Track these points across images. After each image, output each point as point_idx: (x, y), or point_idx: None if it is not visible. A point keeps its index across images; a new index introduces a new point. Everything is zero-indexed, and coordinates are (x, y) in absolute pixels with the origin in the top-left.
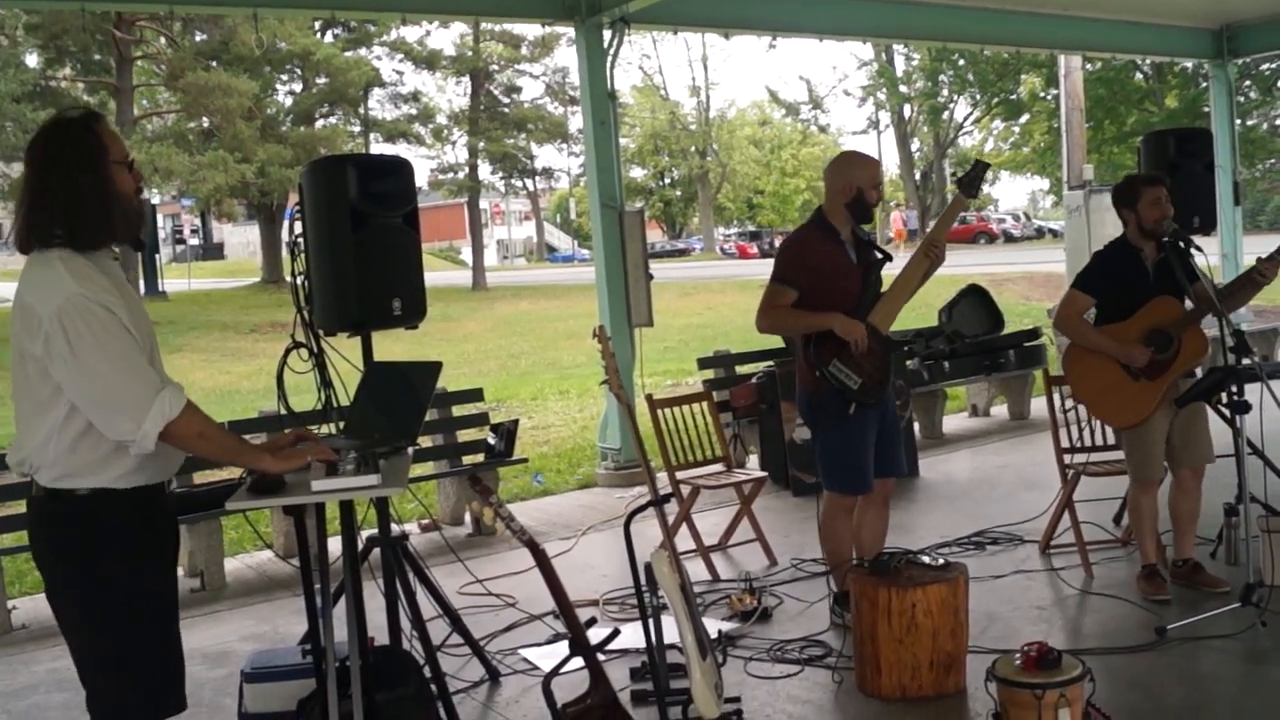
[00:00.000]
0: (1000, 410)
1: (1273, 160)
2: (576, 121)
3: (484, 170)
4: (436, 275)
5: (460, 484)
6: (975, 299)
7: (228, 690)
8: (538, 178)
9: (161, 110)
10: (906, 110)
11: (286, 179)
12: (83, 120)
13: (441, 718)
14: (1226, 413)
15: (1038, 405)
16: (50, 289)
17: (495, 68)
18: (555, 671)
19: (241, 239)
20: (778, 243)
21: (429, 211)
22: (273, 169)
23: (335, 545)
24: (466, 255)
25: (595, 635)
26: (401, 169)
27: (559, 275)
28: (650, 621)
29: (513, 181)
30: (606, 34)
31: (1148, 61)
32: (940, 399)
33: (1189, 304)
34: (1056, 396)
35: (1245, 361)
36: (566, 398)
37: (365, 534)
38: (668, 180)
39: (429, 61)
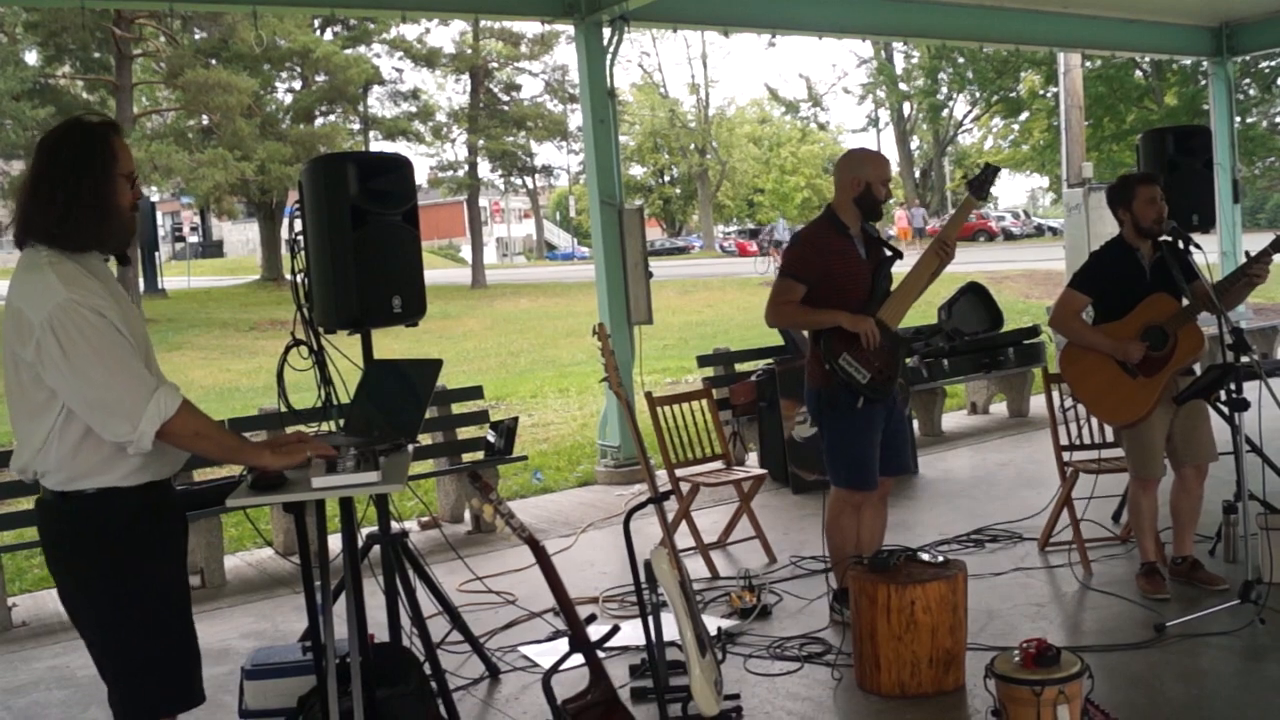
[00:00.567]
0: (999, 408)
1: (1272, 158)
2: (576, 119)
3: (483, 168)
4: (436, 273)
5: (460, 481)
6: (974, 297)
7: (228, 687)
8: (537, 175)
9: (161, 108)
10: (906, 108)
11: (286, 176)
12: (101, 128)
13: (441, 715)
14: (1225, 410)
15: (1037, 403)
16: (41, 295)
17: (495, 65)
18: (555, 668)
19: (241, 237)
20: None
21: (428, 209)
22: (272, 166)
23: (335, 542)
24: (466, 253)
25: (595, 632)
26: (401, 166)
27: (558, 273)
28: (650, 619)
29: (512, 179)
30: (606, 31)
31: (1147, 59)
32: (939, 396)
33: (1185, 302)
34: (1056, 394)
35: (1244, 359)
36: (566, 395)
37: (365, 531)
38: (667, 178)
39: (428, 59)
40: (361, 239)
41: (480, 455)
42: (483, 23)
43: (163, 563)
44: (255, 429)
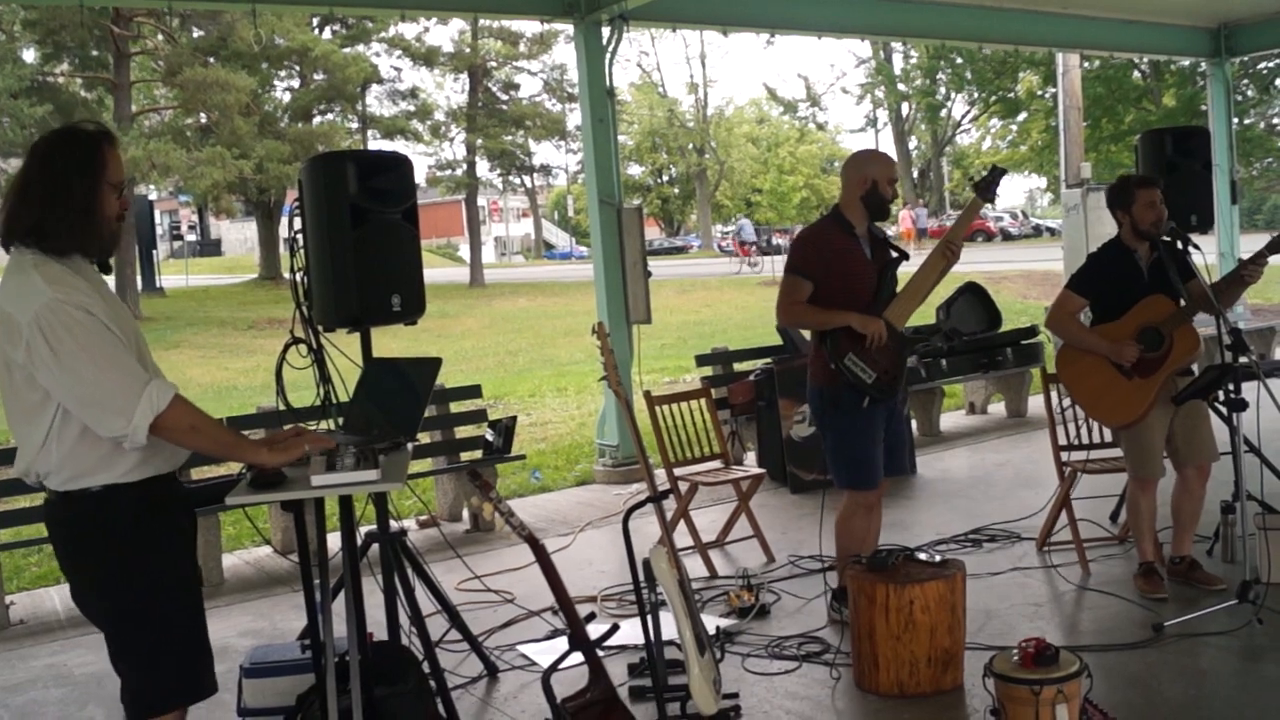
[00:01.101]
0: (997, 408)
1: (1270, 159)
2: (574, 118)
3: (482, 167)
4: (434, 272)
5: (458, 480)
6: (973, 297)
7: (227, 685)
8: (535, 175)
9: (159, 106)
10: (904, 108)
11: (284, 175)
12: (95, 136)
13: (440, 713)
14: (1223, 410)
15: (1035, 403)
16: (27, 297)
17: (493, 64)
18: (555, 666)
19: (239, 235)
20: (776, 240)
21: (427, 208)
22: (270, 165)
23: (334, 541)
24: (464, 252)
25: (594, 631)
26: (401, 165)
27: (556, 272)
28: (649, 618)
29: (510, 178)
30: (605, 31)
31: (1145, 60)
32: (938, 396)
33: (1183, 303)
34: (1054, 394)
35: (1242, 359)
36: (564, 395)
37: (364, 530)
38: (665, 177)
39: (427, 58)
40: (361, 237)
41: (479, 454)
42: (481, 22)
43: (169, 556)
44: (254, 427)
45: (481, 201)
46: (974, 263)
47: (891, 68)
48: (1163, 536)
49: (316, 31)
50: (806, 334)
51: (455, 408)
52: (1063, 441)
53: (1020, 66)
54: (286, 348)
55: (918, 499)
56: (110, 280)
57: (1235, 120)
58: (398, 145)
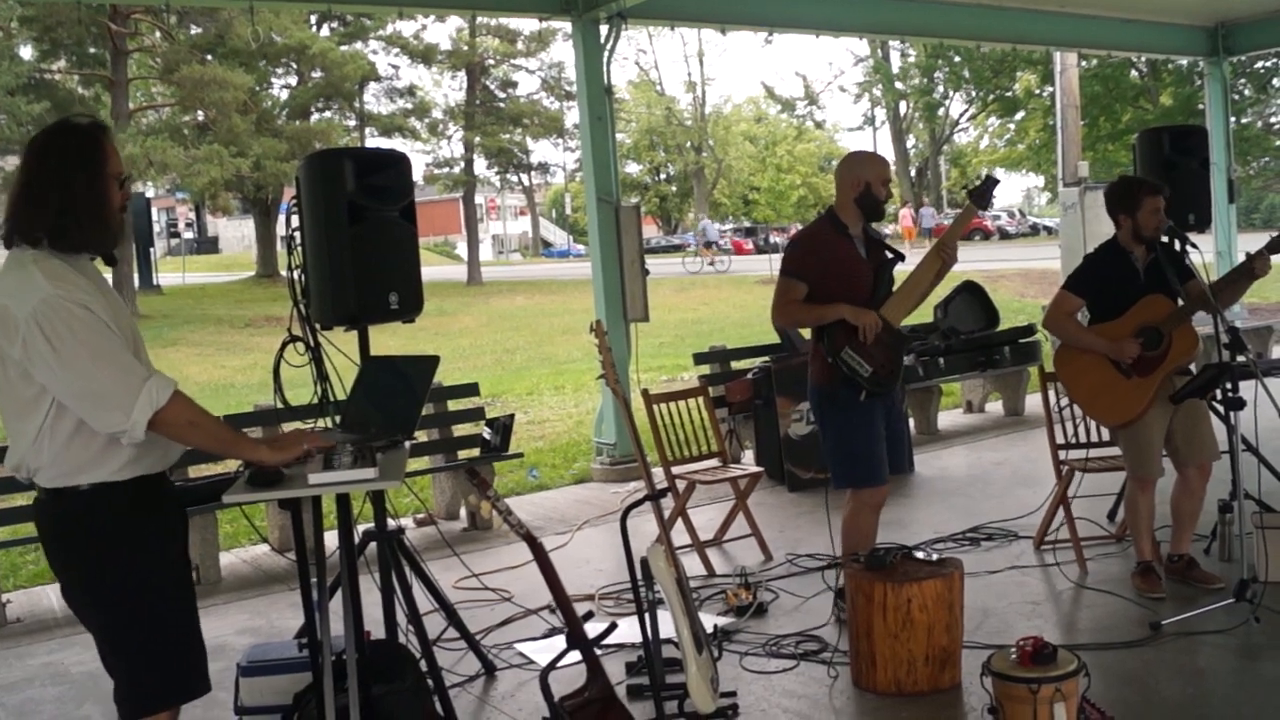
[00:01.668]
0: (995, 406)
1: (1267, 158)
2: (572, 116)
3: (479, 165)
4: (432, 270)
5: (455, 478)
6: (970, 295)
7: (223, 684)
8: (533, 173)
9: (157, 104)
10: (902, 107)
11: (282, 173)
12: (90, 129)
13: (437, 712)
14: (1221, 409)
15: (1032, 401)
16: (25, 293)
17: (491, 62)
18: (553, 665)
19: (236, 233)
20: (773, 239)
21: (424, 206)
22: (268, 163)
23: (331, 539)
24: (462, 250)
25: (592, 629)
26: (398, 163)
27: (554, 270)
28: (646, 616)
29: (508, 176)
30: (603, 29)
31: (1143, 59)
32: (935, 395)
33: (1180, 303)
34: (1052, 393)
35: (1240, 358)
36: (562, 393)
37: (361, 528)
38: (663, 176)
39: (425, 56)
40: (358, 235)
41: (476, 452)
42: (479, 19)
43: (159, 556)
44: (251, 425)
45: (479, 199)
46: (971, 261)
47: (889, 66)
48: (1160, 535)
49: (314, 29)
50: (806, 333)
51: (453, 406)
52: (1060, 440)
53: (1018, 65)
54: (284, 346)
55: (915, 497)
56: (109, 274)
57: (1232, 119)
58: (395, 143)
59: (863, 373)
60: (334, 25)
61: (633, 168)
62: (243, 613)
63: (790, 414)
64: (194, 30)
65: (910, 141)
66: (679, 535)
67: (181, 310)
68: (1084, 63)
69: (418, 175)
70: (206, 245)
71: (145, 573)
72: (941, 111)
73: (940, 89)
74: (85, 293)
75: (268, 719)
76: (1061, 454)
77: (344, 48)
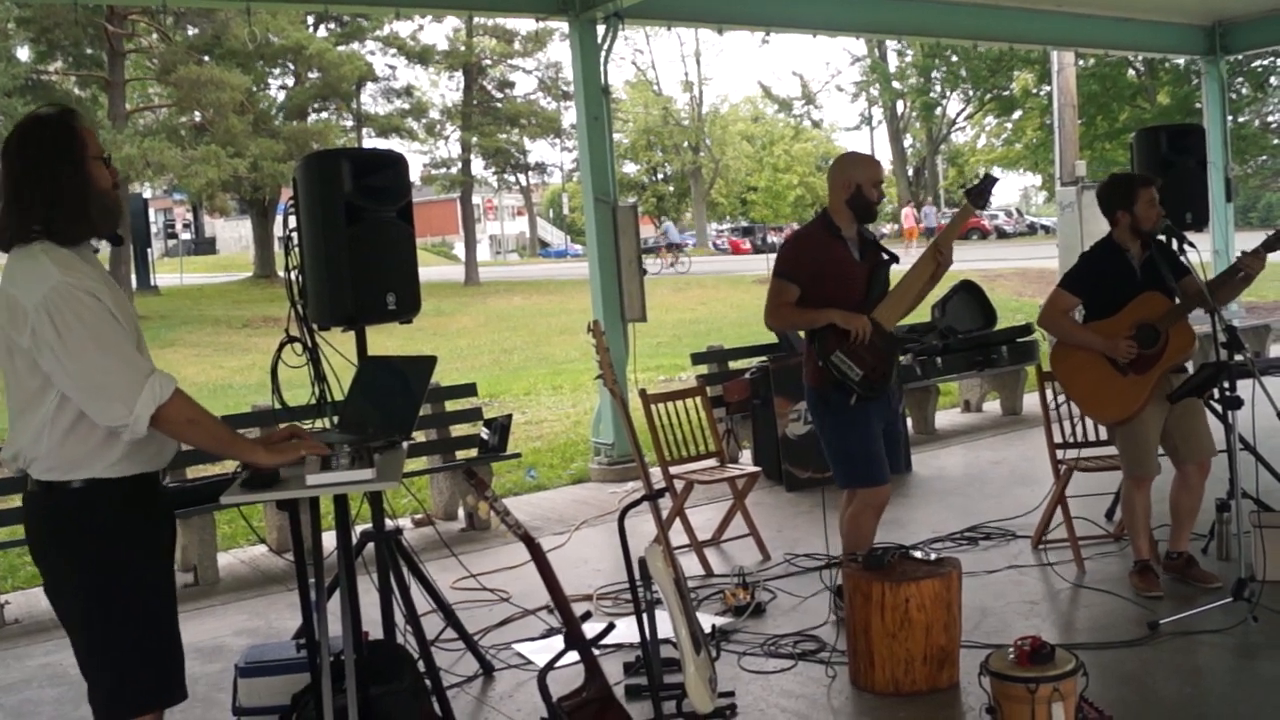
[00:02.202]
0: (993, 406)
1: (1264, 157)
2: (569, 116)
3: (477, 165)
4: (429, 270)
5: (453, 479)
6: (968, 295)
7: (221, 685)
8: (530, 173)
9: (154, 104)
10: (899, 106)
11: (279, 173)
12: (60, 117)
13: (436, 712)
14: (1218, 408)
15: (1030, 401)
16: (35, 280)
17: (488, 62)
18: (551, 665)
19: (234, 234)
20: (771, 238)
21: (421, 207)
22: (265, 163)
23: (329, 540)
24: (459, 250)
25: (590, 629)
26: (396, 163)
27: (552, 270)
28: (644, 616)
29: (505, 176)
30: (600, 29)
31: (1140, 58)
32: (933, 394)
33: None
34: (1049, 392)
35: (1237, 357)
36: (559, 393)
37: (359, 529)
38: (660, 176)
39: (422, 56)
40: (356, 236)
41: (474, 452)
42: (476, 19)
43: (147, 557)
44: (249, 425)
45: (476, 200)
46: (969, 261)
47: (886, 66)
48: (1159, 533)
49: (311, 29)
50: (803, 333)
51: (450, 406)
52: (1058, 439)
53: (1015, 64)
54: (282, 346)
55: (913, 497)
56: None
57: (1230, 118)
58: (392, 143)
59: (853, 376)
60: (331, 26)
61: (630, 168)
62: (241, 613)
63: (788, 414)
64: (191, 31)
65: (908, 141)
66: (677, 535)
67: (179, 311)
68: (1081, 62)
69: (415, 176)
70: (204, 246)
71: (139, 569)
72: (939, 111)
73: (937, 88)
74: (93, 281)
75: None
76: (1059, 453)
77: (341, 48)
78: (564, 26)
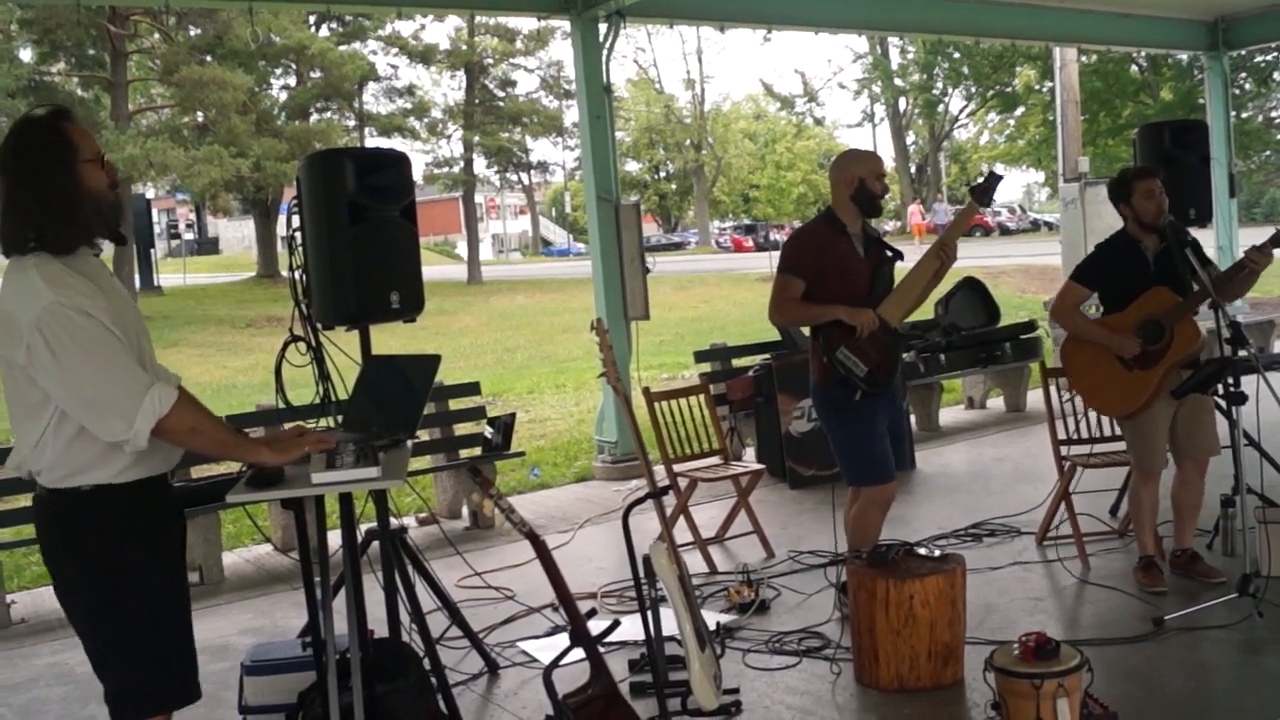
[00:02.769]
0: (996, 403)
1: (1268, 152)
2: (571, 115)
3: (479, 164)
4: (432, 269)
5: (457, 477)
6: (971, 292)
7: (228, 683)
8: (533, 171)
9: (156, 105)
10: (901, 103)
11: (281, 173)
12: (49, 119)
13: (441, 710)
14: (1223, 404)
15: (1034, 398)
16: (27, 299)
17: (490, 61)
18: (556, 662)
19: (237, 233)
20: (773, 236)
21: (424, 206)
22: (268, 163)
23: (334, 538)
24: (462, 249)
25: (594, 627)
26: (399, 162)
27: (554, 269)
28: (649, 613)
29: (508, 175)
30: (602, 27)
31: (1143, 54)
32: (936, 392)
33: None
34: (1053, 389)
35: (1242, 353)
36: (563, 391)
37: (364, 527)
38: (663, 174)
39: (424, 55)
40: (359, 235)
41: (478, 451)
42: (478, 18)
43: (158, 559)
44: (253, 425)
45: (479, 199)
46: (972, 258)
47: (888, 63)
48: (1163, 530)
49: (313, 29)
50: (806, 330)
51: (454, 405)
52: (1062, 436)
53: (1017, 61)
54: (285, 345)
55: (917, 494)
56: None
57: (1233, 113)
58: (395, 143)
59: (858, 372)
60: (333, 25)
61: (632, 166)
62: (246, 612)
63: (791, 411)
64: (193, 31)
65: (910, 138)
66: (681, 533)
67: (182, 311)
68: (1084, 58)
69: (417, 175)
70: (207, 246)
71: (148, 571)
72: (941, 108)
73: (940, 85)
74: (87, 297)
75: (272, 718)
76: (1063, 450)
77: (343, 48)
78: (566, 25)
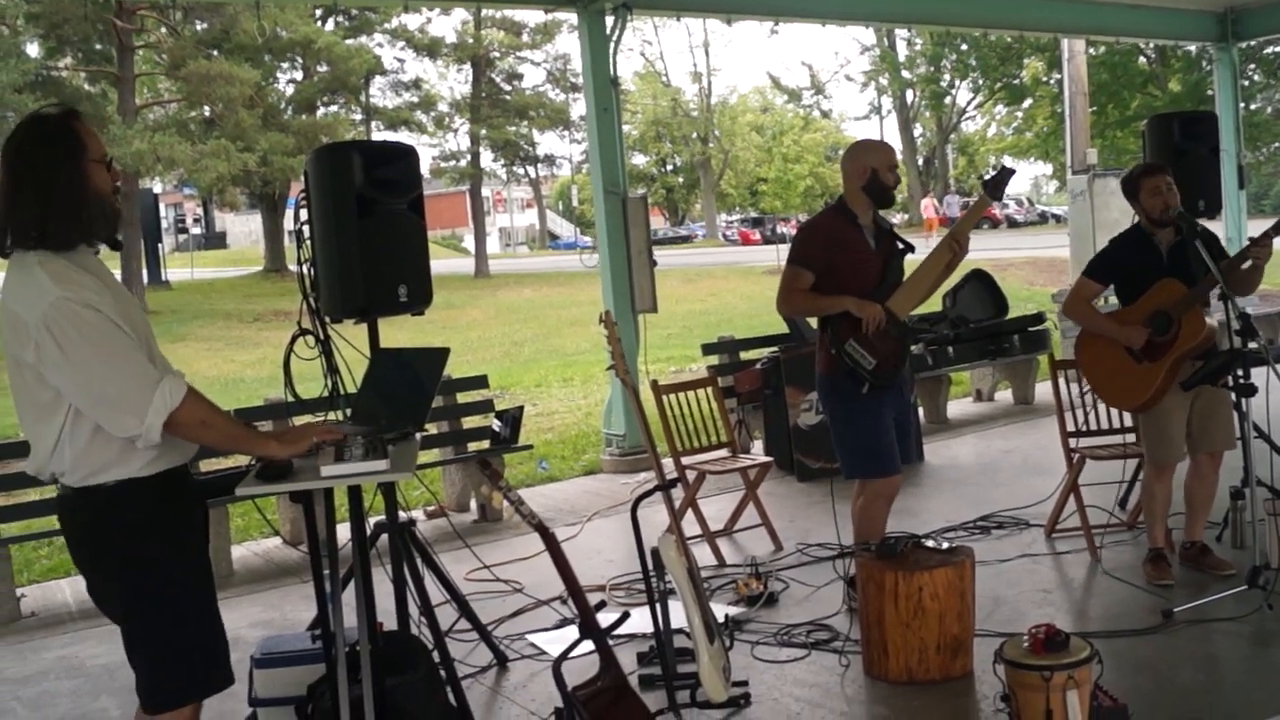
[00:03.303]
0: (1004, 395)
1: (1277, 144)
2: (578, 108)
3: (486, 158)
4: (439, 263)
5: (465, 470)
6: (979, 284)
7: (238, 676)
8: (540, 165)
9: (163, 99)
10: (909, 95)
11: (289, 168)
12: (61, 118)
13: (450, 703)
14: (1233, 396)
15: (1042, 390)
16: (33, 296)
17: (496, 55)
18: (566, 655)
19: (244, 228)
20: (781, 229)
21: (431, 199)
22: (275, 158)
23: (343, 531)
24: (469, 243)
25: (603, 619)
26: (407, 155)
27: (561, 262)
28: (658, 606)
29: (515, 169)
30: (609, 20)
31: (1151, 45)
32: (945, 384)
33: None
34: (1061, 380)
35: (1252, 345)
36: (570, 384)
37: (373, 520)
38: (670, 167)
39: (430, 49)
40: (367, 228)
41: (486, 444)
42: (484, 12)
43: (181, 552)
44: (262, 419)
45: (486, 192)
46: (980, 250)
47: (896, 55)
48: (1173, 523)
49: (319, 23)
50: (814, 322)
51: (462, 398)
52: (1071, 428)
53: (1025, 52)
54: (294, 339)
55: (925, 487)
56: (117, 270)
57: (1242, 105)
58: (401, 136)
59: (866, 365)
60: (339, 19)
61: (639, 159)
62: (255, 605)
63: (799, 404)
64: (199, 26)
65: (917, 130)
66: (689, 525)
67: (190, 305)
68: (1092, 49)
69: (424, 169)
70: (214, 240)
71: (170, 566)
72: (948, 100)
73: (947, 77)
74: (93, 292)
75: (282, 710)
76: (1072, 442)
77: (349, 42)
78: (572, 18)
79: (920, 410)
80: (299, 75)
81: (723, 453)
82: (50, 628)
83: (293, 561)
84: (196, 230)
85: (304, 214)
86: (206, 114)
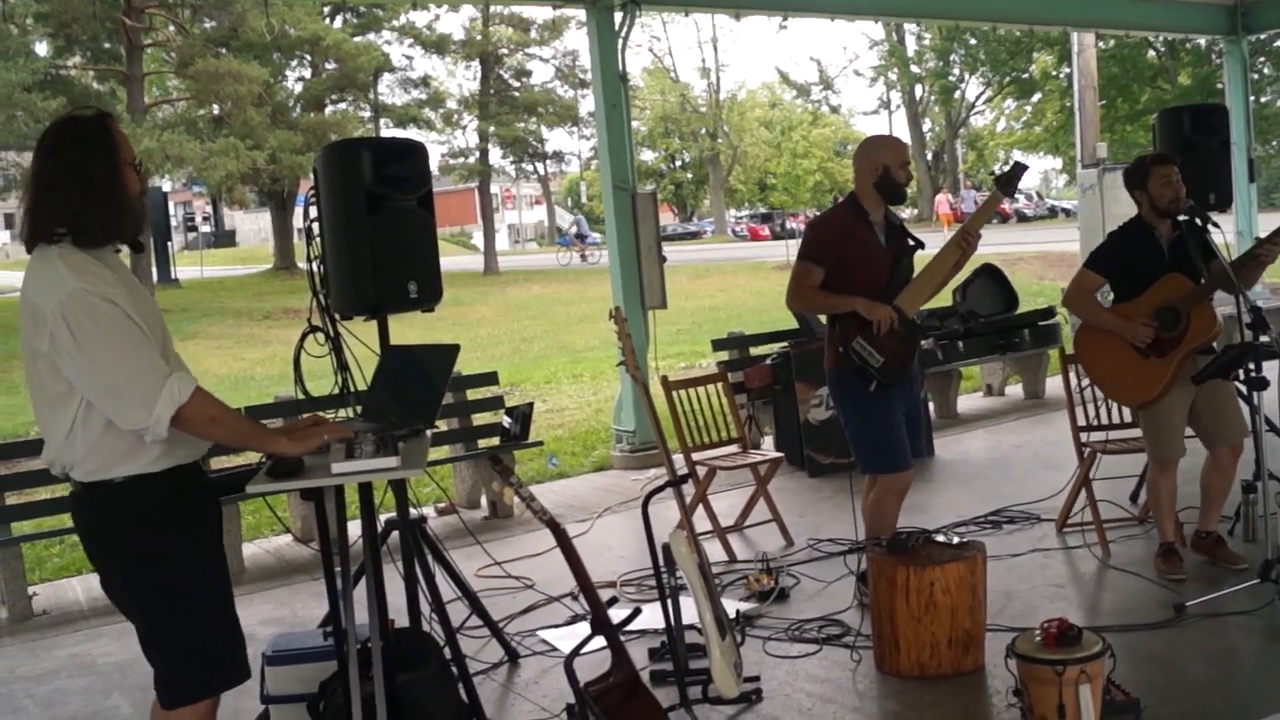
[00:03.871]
0: (1015, 390)
1: None
2: (587, 105)
3: (494, 154)
4: (448, 260)
5: (476, 467)
6: (989, 279)
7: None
8: (548, 161)
9: (172, 98)
10: (918, 90)
11: (297, 165)
12: (98, 118)
13: (462, 699)
14: (1244, 389)
15: (1053, 384)
16: (52, 286)
17: (505, 51)
18: (577, 651)
19: (253, 226)
20: (790, 224)
21: (440, 196)
22: (284, 155)
23: (354, 528)
24: (478, 240)
25: (616, 615)
26: (416, 152)
27: (568, 258)
28: (669, 602)
29: (523, 165)
30: (617, 16)
31: (1161, 39)
32: (955, 379)
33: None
34: (1072, 375)
35: (1262, 338)
36: (580, 381)
37: (383, 517)
38: (679, 163)
39: (438, 46)
40: (376, 225)
41: (496, 441)
42: (493, 8)
43: (195, 546)
44: (272, 416)
45: (494, 189)
46: (990, 244)
47: (905, 50)
48: (1184, 515)
49: (327, 21)
50: (824, 317)
51: (472, 395)
52: (1081, 422)
53: (1034, 46)
54: (304, 336)
55: (936, 481)
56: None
57: (1252, 98)
58: (410, 134)
59: (873, 363)
60: (347, 17)
61: (647, 155)
62: (267, 603)
63: (809, 399)
64: (208, 24)
65: (926, 125)
66: (700, 521)
67: (200, 303)
68: (1101, 43)
69: (433, 165)
70: (224, 238)
71: (183, 561)
72: (957, 94)
73: (956, 72)
74: (110, 285)
75: (294, 707)
76: (1083, 436)
77: (357, 39)
78: (581, 14)
79: (930, 405)
80: (307, 73)
81: (733, 448)
82: (62, 626)
83: (304, 559)
84: (206, 228)
85: (313, 211)
86: (215, 112)
